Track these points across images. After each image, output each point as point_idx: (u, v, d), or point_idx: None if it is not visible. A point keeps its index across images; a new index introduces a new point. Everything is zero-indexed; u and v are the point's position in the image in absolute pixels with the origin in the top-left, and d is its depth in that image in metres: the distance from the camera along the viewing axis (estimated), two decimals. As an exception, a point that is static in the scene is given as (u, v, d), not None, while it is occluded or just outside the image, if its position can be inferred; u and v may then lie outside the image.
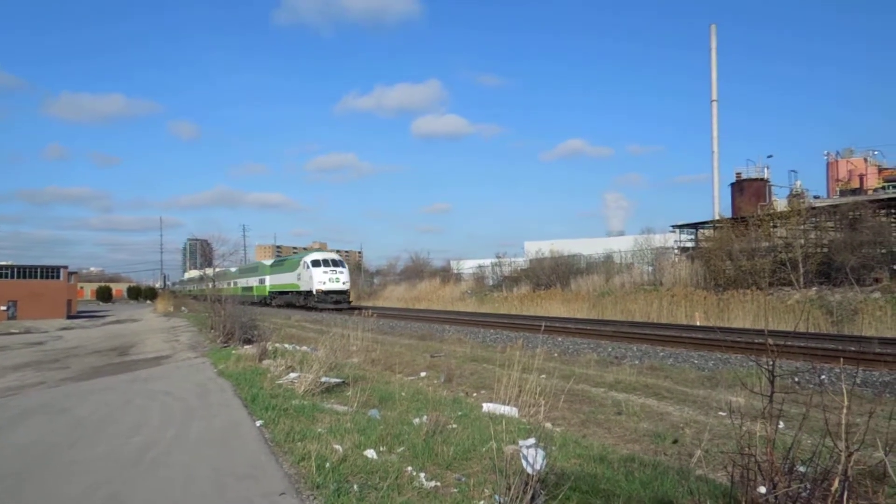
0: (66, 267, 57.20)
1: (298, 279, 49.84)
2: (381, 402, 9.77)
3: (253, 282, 67.78)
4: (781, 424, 6.65)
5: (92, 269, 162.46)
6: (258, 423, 8.19)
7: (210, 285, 76.36)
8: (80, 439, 7.90)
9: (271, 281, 60.56)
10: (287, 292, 53.70)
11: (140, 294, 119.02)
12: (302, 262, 49.42)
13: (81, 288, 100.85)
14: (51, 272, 55.23)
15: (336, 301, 44.96)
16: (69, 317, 53.24)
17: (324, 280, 45.89)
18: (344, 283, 46.44)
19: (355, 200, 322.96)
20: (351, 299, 50.61)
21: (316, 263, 47.44)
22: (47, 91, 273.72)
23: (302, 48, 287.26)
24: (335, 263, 47.87)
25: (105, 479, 6.11)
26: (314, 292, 45.91)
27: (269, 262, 67.67)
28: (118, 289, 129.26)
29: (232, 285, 75.84)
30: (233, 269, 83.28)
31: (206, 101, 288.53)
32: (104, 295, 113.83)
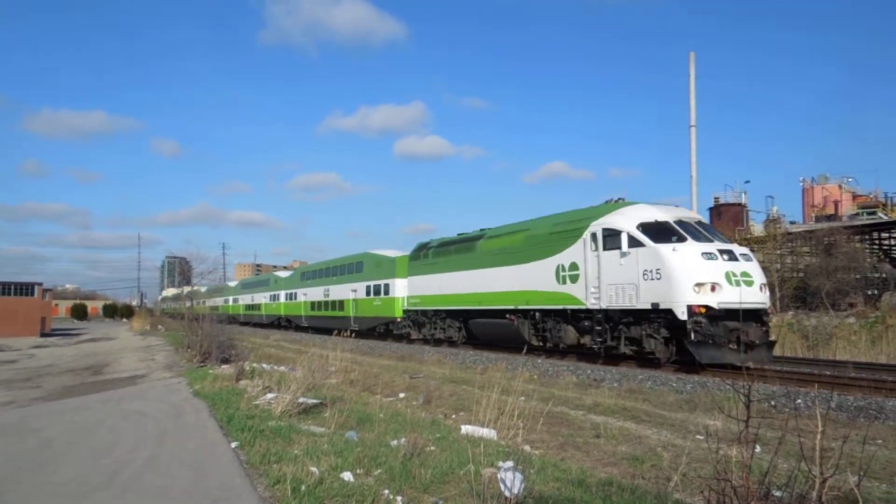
0: (40, 284, 56.22)
1: (576, 280, 19.63)
2: (359, 424, 9.68)
3: (343, 292, 37.93)
4: (758, 449, 6.68)
5: (67, 286, 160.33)
6: (233, 445, 8.07)
7: (229, 301, 66.41)
8: (49, 461, 7.73)
9: (417, 289, 29.38)
10: (500, 313, 23.12)
11: (116, 312, 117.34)
12: (595, 230, 19.05)
13: (56, 305, 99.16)
14: (25, 289, 54.27)
15: (752, 343, 15.96)
16: (43, 335, 52.20)
17: (714, 276, 16.16)
18: (762, 288, 16.85)
19: (337, 220, 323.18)
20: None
21: (666, 232, 17.54)
22: (28, 107, 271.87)
23: (287, 68, 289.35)
24: (714, 234, 18.92)
25: (74, 502, 5.97)
26: (686, 311, 16.03)
27: (393, 253, 34.06)
28: (94, 306, 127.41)
29: (283, 300, 51.43)
30: (282, 275, 56.56)
31: (189, 118, 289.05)
32: (79, 312, 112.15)
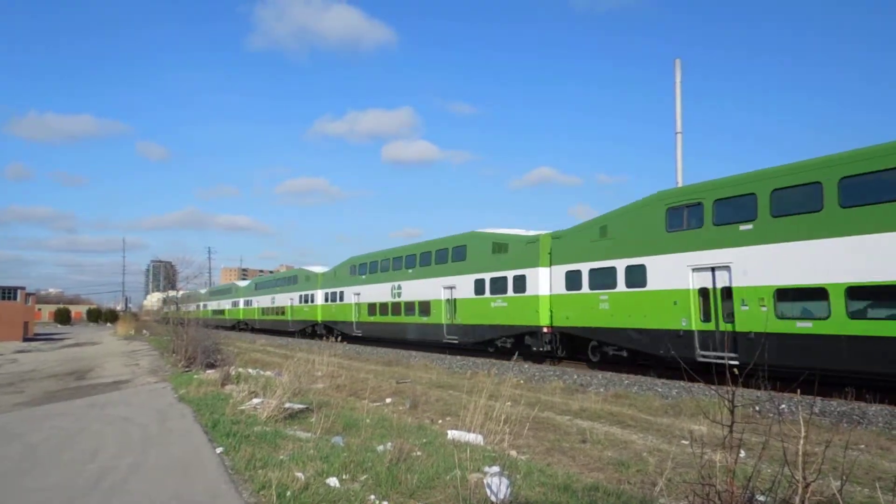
0: (23, 288, 55.59)
1: None
2: (346, 429, 9.66)
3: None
4: (742, 453, 6.74)
5: (51, 290, 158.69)
6: (219, 451, 8.03)
7: (338, 297, 36.87)
8: (33, 467, 7.65)
9: None
10: None
11: (100, 316, 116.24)
12: None
13: (39, 310, 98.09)
14: (7, 293, 53.65)
15: None
16: (25, 339, 51.64)
17: None
18: None
19: (324, 224, 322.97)
20: None
21: None
22: (13, 110, 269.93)
23: (275, 73, 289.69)
24: None
25: (57, 508, 5.92)
26: None
27: None
28: (77, 311, 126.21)
29: (470, 294, 26.86)
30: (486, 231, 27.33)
31: (176, 122, 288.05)
32: (63, 317, 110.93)
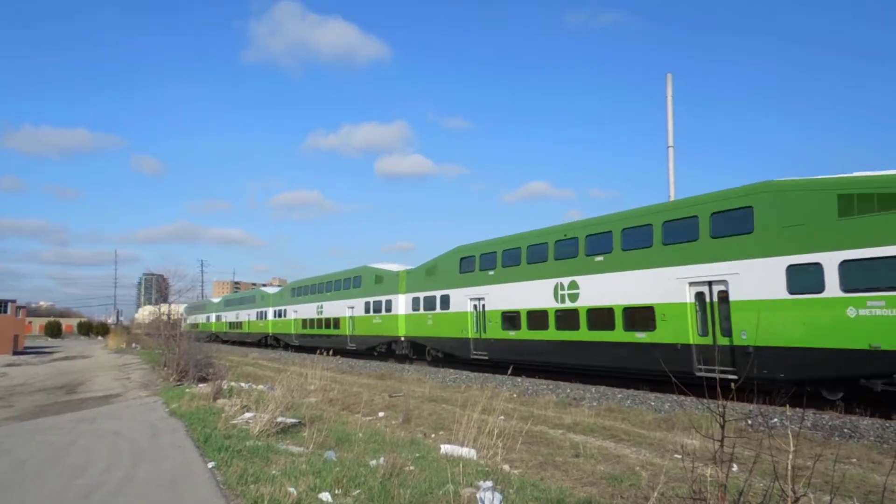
0: (14, 301, 55.16)
1: None
2: (338, 444, 9.63)
3: None
4: (735, 467, 6.75)
5: (42, 303, 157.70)
6: (210, 465, 7.99)
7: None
8: (21, 481, 7.59)
9: None
10: None
11: (91, 330, 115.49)
12: None
13: (30, 322, 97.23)
14: (-2, 306, 53.25)
15: None
16: (15, 353, 51.16)
17: None
18: None
19: (318, 237, 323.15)
20: None
21: None
22: (7, 123, 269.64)
23: (270, 86, 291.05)
24: None
25: (47, 524, 5.87)
26: None
27: None
28: (68, 324, 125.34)
29: None
30: None
31: (171, 135, 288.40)
32: (54, 330, 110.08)
